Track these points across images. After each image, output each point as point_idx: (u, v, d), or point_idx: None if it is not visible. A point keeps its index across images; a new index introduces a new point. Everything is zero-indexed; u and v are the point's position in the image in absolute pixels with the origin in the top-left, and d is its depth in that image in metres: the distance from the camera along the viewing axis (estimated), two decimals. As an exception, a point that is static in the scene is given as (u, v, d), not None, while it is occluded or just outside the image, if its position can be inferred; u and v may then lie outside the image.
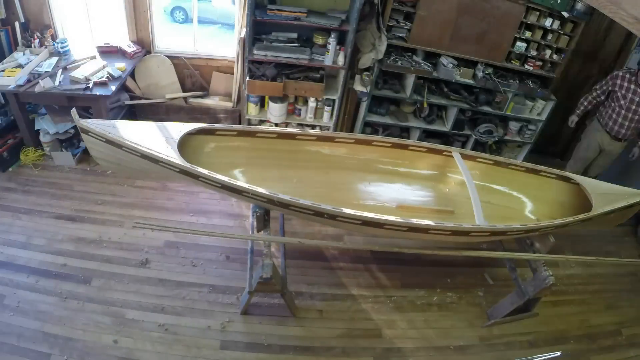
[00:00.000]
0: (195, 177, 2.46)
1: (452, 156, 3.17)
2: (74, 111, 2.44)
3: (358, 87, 4.00)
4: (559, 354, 3.02)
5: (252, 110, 3.99)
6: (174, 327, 2.75)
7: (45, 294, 2.82)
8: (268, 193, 2.44)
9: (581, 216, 2.94)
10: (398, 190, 3.21)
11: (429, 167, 3.30)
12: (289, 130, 3.02)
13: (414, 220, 2.60)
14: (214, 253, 3.28)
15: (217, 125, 2.86)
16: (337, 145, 3.10)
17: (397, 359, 2.84)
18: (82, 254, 3.11)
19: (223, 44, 4.35)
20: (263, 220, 2.72)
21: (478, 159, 3.26)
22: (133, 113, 4.29)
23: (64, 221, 3.35)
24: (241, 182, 2.49)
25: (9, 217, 3.32)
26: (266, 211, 2.72)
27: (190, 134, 2.74)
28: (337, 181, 3.13)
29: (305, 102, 4.04)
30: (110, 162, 2.77)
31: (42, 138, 3.86)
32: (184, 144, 2.66)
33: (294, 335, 2.84)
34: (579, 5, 3.70)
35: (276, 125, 4.11)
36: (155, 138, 2.56)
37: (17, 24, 3.75)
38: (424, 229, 2.65)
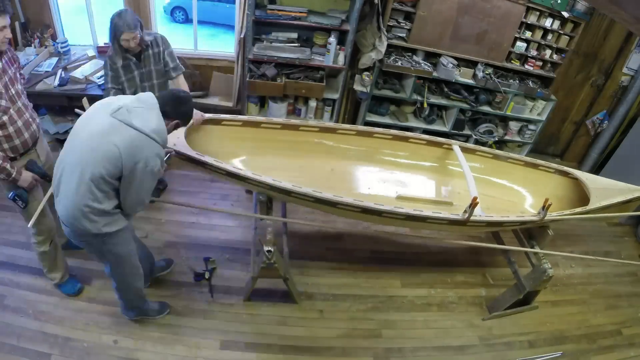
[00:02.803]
0: (202, 164, 2.52)
1: (452, 149, 3.21)
2: (78, 111, 2.46)
3: (358, 87, 4.00)
4: (559, 354, 3.01)
5: (252, 110, 3.99)
6: (173, 327, 2.75)
7: (45, 294, 2.81)
8: (271, 181, 2.49)
9: (578, 209, 2.98)
10: (398, 181, 3.25)
11: (429, 159, 3.34)
12: (293, 121, 3.09)
13: (411, 210, 2.64)
14: (214, 253, 3.27)
15: (222, 116, 2.93)
16: (339, 136, 3.15)
17: (397, 359, 2.84)
18: (82, 254, 3.10)
19: (223, 44, 4.34)
20: (266, 207, 2.77)
21: (477, 152, 3.30)
22: (133, 113, 4.29)
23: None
24: (245, 171, 2.55)
25: (9, 217, 3.32)
26: (269, 198, 2.77)
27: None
28: (339, 171, 3.19)
29: (306, 102, 4.04)
30: None
31: (42, 138, 3.86)
32: (190, 134, 2.70)
33: (294, 335, 2.84)
34: (579, 5, 3.70)
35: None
36: None
37: (17, 24, 3.75)
38: (422, 218, 2.69)
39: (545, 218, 2.79)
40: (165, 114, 2.01)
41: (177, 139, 2.51)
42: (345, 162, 3.21)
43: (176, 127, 2.13)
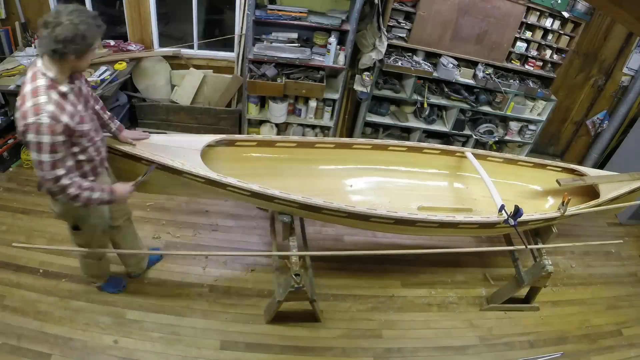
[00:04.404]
0: (223, 186, 2.43)
1: (464, 157, 3.28)
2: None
3: (358, 87, 4.00)
4: (560, 354, 3.01)
5: (252, 110, 3.99)
6: (173, 327, 2.75)
7: (45, 294, 2.81)
8: (301, 198, 2.47)
9: (592, 202, 3.07)
10: (416, 192, 3.30)
11: (444, 167, 3.39)
12: (308, 139, 3.07)
13: (444, 217, 2.69)
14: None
15: (237, 136, 2.87)
16: (355, 151, 3.16)
17: (397, 359, 2.84)
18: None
19: (223, 44, 4.34)
20: (289, 228, 2.71)
21: (488, 158, 3.36)
22: (133, 114, 4.29)
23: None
24: (272, 190, 2.47)
25: (9, 217, 3.32)
26: (292, 219, 2.72)
27: (209, 146, 2.69)
28: (357, 187, 3.21)
29: (306, 102, 4.04)
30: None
31: (42, 138, 3.85)
32: (202, 156, 2.61)
33: (294, 335, 2.84)
34: (579, 6, 3.70)
35: (277, 125, 4.11)
36: (175, 150, 2.49)
37: (17, 24, 3.75)
38: (454, 224, 2.74)
39: (565, 213, 2.85)
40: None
41: (195, 162, 2.44)
42: (362, 177, 3.23)
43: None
